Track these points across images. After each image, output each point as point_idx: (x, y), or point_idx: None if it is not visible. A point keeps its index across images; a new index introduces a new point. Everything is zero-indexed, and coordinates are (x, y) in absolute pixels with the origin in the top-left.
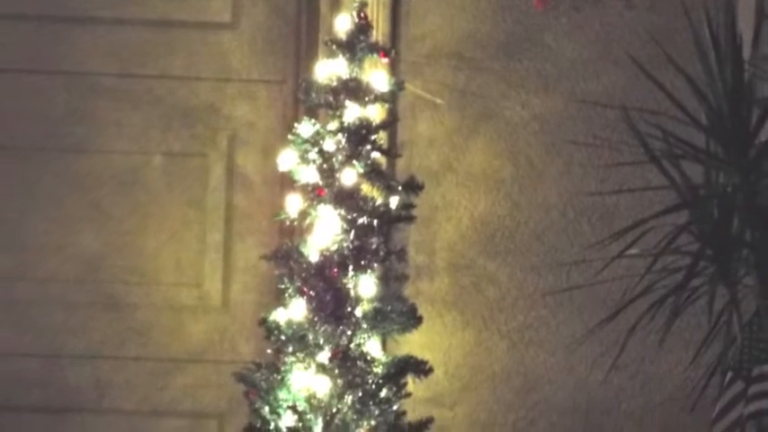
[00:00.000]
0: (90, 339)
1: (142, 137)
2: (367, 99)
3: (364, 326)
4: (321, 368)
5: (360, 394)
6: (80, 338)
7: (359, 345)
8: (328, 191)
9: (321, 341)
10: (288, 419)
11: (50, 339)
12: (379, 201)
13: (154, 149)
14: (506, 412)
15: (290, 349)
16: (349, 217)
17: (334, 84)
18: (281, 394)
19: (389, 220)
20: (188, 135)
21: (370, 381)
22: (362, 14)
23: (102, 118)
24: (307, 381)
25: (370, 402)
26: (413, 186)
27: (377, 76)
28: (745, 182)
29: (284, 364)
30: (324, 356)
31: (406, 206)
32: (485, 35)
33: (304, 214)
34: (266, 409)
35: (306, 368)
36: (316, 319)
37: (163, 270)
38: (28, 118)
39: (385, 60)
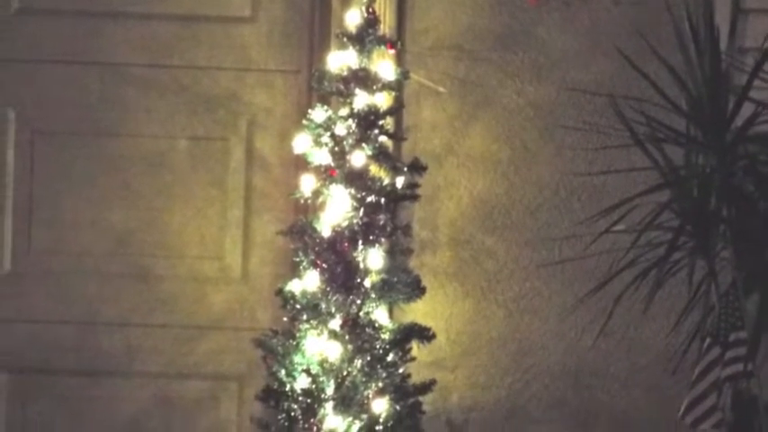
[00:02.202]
0: (121, 308)
1: (169, 122)
2: (375, 87)
3: (372, 295)
4: (333, 334)
5: (368, 358)
6: (112, 307)
7: (367, 313)
8: (339, 171)
9: (333, 310)
10: (302, 382)
11: (85, 308)
12: (386, 181)
13: (179, 134)
14: (503, 375)
15: (305, 317)
16: (358, 195)
17: (345, 73)
18: (296, 358)
19: (396, 199)
20: (211, 120)
21: (378, 346)
22: (371, 9)
23: (133, 105)
24: (319, 346)
25: (378, 366)
26: (417, 167)
27: (384, 66)
28: (722, 163)
29: (299, 330)
30: (335, 324)
31: (410, 185)
32: (483, 28)
33: (317, 193)
34: (282, 372)
35: (319, 334)
36: (328, 289)
37: (187, 244)
38: (65, 105)
39: (391, 52)
